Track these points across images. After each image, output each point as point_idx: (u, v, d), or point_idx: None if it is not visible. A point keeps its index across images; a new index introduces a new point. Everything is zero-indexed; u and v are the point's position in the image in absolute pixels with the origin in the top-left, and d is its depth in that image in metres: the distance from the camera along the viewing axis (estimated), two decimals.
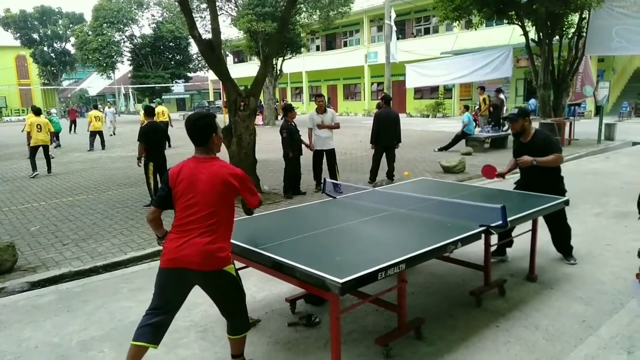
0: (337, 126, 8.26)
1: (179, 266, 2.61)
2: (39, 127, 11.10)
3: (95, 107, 19.36)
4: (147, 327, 2.67)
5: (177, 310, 2.79)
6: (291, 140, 7.87)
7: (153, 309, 2.71)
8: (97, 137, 16.87)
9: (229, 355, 2.97)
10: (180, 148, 15.63)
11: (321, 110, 8.15)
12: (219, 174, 2.66)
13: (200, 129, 2.72)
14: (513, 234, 4.43)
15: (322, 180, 4.86)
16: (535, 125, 4.92)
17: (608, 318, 3.49)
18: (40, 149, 11.30)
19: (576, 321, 3.52)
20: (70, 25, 44.72)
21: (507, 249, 4.83)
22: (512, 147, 4.95)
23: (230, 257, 2.74)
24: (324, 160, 8.25)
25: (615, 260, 4.70)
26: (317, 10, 23.98)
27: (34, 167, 11.16)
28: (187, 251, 2.59)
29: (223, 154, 12.37)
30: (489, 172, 4.87)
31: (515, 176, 5.03)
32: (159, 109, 16.75)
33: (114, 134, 22.01)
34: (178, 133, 16.03)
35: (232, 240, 3.26)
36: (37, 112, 11.50)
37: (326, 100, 8.68)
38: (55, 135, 18.79)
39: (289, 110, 8.10)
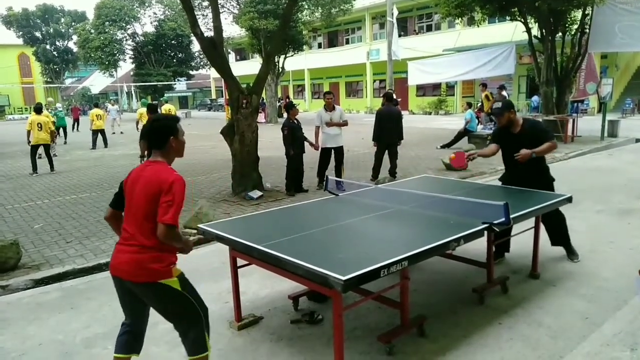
0: (345, 123, 8.28)
1: (116, 274, 2.52)
2: (39, 125, 11.10)
3: (96, 105, 19.32)
4: (122, 337, 2.68)
5: (140, 318, 2.66)
6: (292, 137, 7.88)
7: (124, 320, 2.70)
8: (99, 135, 16.90)
9: (233, 352, 2.98)
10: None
11: (330, 107, 8.15)
12: (153, 178, 2.44)
13: (157, 130, 2.57)
14: (512, 232, 4.41)
15: (325, 178, 4.86)
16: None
17: (611, 315, 3.49)
18: (41, 148, 11.33)
19: (579, 318, 3.52)
20: (73, 24, 44.82)
21: (508, 247, 4.83)
22: (493, 134, 4.94)
23: (172, 269, 2.50)
24: (332, 157, 8.25)
25: (618, 257, 4.69)
26: (319, 8, 23.93)
27: (34, 167, 11.22)
28: (120, 259, 2.48)
29: (222, 153, 12.24)
30: (459, 160, 4.72)
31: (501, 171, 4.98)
32: (166, 107, 16.79)
33: (122, 132, 21.95)
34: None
35: (234, 237, 3.28)
36: (38, 110, 11.50)
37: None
38: (63, 130, 18.97)
39: (290, 108, 8.11)
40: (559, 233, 4.68)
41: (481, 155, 4.76)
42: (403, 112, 9.73)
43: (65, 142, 18.65)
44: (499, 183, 4.89)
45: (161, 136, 2.55)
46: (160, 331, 3.60)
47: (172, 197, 2.36)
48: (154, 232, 2.39)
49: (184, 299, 2.53)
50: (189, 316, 2.58)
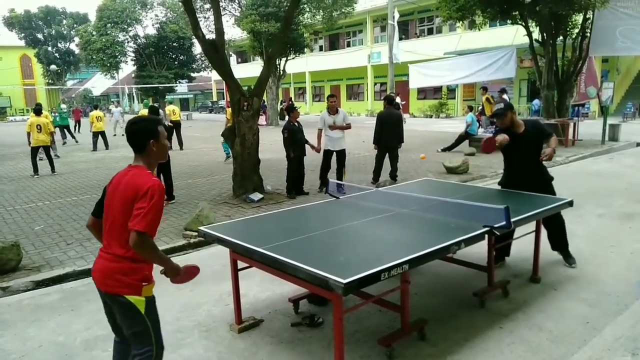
0: (348, 126, 8.28)
1: (94, 281, 2.42)
2: (39, 127, 11.13)
3: (96, 107, 19.38)
4: (114, 352, 2.61)
5: (121, 330, 2.46)
6: (293, 140, 7.87)
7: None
8: (100, 137, 16.91)
9: (233, 355, 2.97)
10: (185, 150, 15.70)
11: (333, 110, 8.15)
12: (130, 183, 2.31)
13: (134, 134, 2.43)
14: (514, 235, 4.41)
15: (326, 181, 4.86)
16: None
17: (612, 320, 3.48)
18: (42, 149, 11.38)
19: (580, 323, 3.51)
20: (75, 25, 44.93)
21: (509, 252, 4.82)
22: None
23: (142, 286, 2.34)
24: (333, 160, 8.25)
25: (619, 262, 4.68)
26: (321, 11, 23.95)
27: (35, 169, 11.27)
28: (95, 266, 2.41)
29: (223, 155, 12.23)
30: (489, 146, 4.53)
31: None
32: (169, 108, 16.77)
33: (123, 135, 21.97)
34: (183, 133, 16.12)
35: (234, 240, 3.28)
36: (37, 112, 11.55)
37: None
38: (67, 129, 19.06)
39: (291, 111, 8.11)
40: (559, 238, 4.68)
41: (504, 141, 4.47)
42: (404, 115, 9.78)
43: (64, 143, 18.67)
44: (499, 187, 4.89)
45: (140, 139, 2.42)
46: None
47: (147, 203, 2.21)
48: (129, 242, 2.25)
49: (143, 324, 2.36)
50: (142, 344, 2.38)
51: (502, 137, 4.39)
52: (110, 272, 2.31)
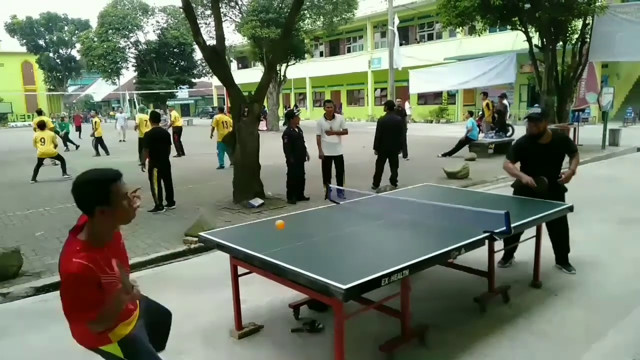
0: (345, 132, 8.23)
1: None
2: (42, 140, 11.69)
3: (97, 113, 19.51)
4: None
5: None
6: (292, 146, 7.87)
7: None
8: (98, 143, 16.92)
9: None
10: (186, 156, 15.70)
11: (330, 116, 8.14)
12: (60, 260, 1.99)
13: (76, 198, 1.96)
14: (521, 237, 4.42)
15: (328, 187, 4.87)
16: None
17: (613, 325, 3.47)
18: (51, 159, 12.13)
19: (581, 328, 3.50)
20: (76, 32, 45.14)
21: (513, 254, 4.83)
22: (519, 149, 4.58)
23: (107, 335, 2.12)
24: (333, 166, 8.24)
25: (620, 267, 4.68)
26: (321, 17, 24.08)
27: (34, 176, 11.50)
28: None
29: (216, 164, 12.16)
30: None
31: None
32: (174, 114, 16.81)
33: (124, 140, 22.03)
34: (184, 139, 16.14)
35: (234, 246, 3.28)
36: (41, 126, 12.13)
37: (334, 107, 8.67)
38: (65, 136, 19.15)
39: (291, 116, 8.12)
40: (563, 247, 4.64)
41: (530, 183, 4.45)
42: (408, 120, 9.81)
43: (66, 149, 18.72)
44: (510, 190, 4.86)
45: (84, 205, 1.97)
46: None
47: (63, 294, 1.90)
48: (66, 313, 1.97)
49: None
50: None
51: (529, 180, 4.35)
52: (75, 333, 2.16)
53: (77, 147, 19.30)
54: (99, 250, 1.97)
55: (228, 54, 25.46)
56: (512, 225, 3.36)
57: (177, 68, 36.95)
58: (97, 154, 16.71)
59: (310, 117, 35.64)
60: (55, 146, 11.92)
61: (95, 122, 17.04)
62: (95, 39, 33.62)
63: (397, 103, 12.66)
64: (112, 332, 2.11)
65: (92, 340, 2.13)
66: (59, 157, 12.08)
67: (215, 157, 12.75)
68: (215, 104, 49.16)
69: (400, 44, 23.65)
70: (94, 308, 1.91)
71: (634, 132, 17.45)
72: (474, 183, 9.27)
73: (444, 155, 13.10)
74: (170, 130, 13.88)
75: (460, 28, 15.96)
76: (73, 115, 30.75)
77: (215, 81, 42.76)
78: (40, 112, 15.18)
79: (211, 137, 13.12)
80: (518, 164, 4.63)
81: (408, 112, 15.34)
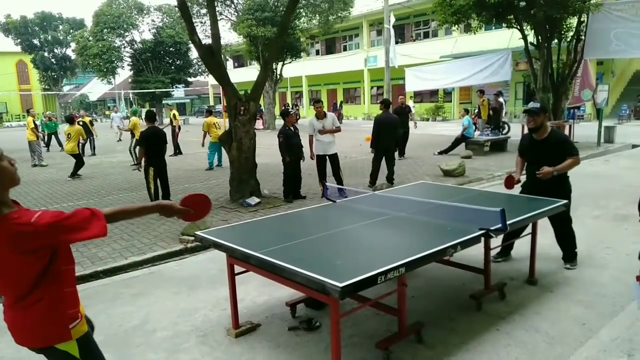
0: (338, 130, 8.22)
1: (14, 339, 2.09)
2: (69, 136, 11.89)
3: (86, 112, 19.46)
4: None
5: None
6: (288, 144, 7.87)
7: None
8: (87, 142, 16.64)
9: (229, 359, 2.97)
10: (182, 155, 15.68)
11: (320, 115, 8.12)
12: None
13: None
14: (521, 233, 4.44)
15: (324, 185, 4.87)
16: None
17: (608, 321, 3.49)
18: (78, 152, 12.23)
19: (576, 324, 3.52)
20: (71, 31, 44.85)
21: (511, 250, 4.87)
22: (520, 145, 4.77)
23: (68, 327, 1.98)
24: (327, 165, 8.24)
25: (615, 263, 4.70)
26: (317, 15, 24.04)
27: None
28: (5, 319, 2.05)
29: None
30: (509, 183, 4.70)
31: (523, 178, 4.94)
32: (172, 113, 16.73)
33: (121, 139, 21.96)
34: (181, 138, 16.11)
35: (231, 244, 3.28)
36: (70, 121, 12.47)
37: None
38: (54, 136, 18.91)
39: (286, 115, 8.12)
40: (566, 245, 4.66)
41: (521, 172, 4.73)
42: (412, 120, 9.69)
43: (47, 150, 18.43)
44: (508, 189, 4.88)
45: None
46: (157, 338, 3.59)
47: (58, 230, 1.91)
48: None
49: None
50: None
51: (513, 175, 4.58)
52: (26, 330, 1.94)
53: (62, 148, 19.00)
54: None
55: (224, 53, 25.37)
56: (508, 222, 3.38)
57: (172, 67, 36.80)
58: (93, 153, 16.64)
59: (307, 116, 35.64)
60: (85, 140, 11.98)
61: (90, 121, 17.00)
62: (90, 38, 33.42)
63: (401, 100, 12.66)
64: (74, 328, 1.98)
65: (49, 336, 1.94)
66: (77, 157, 11.88)
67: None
68: (212, 102, 49.10)
69: (396, 42, 23.66)
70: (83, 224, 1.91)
71: (628, 129, 17.53)
72: (470, 181, 9.29)
73: (440, 153, 13.12)
74: (169, 130, 13.85)
75: (456, 26, 15.95)
76: (68, 114, 30.60)
77: (211, 80, 42.65)
78: (29, 112, 15.77)
79: (202, 145, 12.39)
80: (521, 159, 4.74)
81: (413, 109, 15.31)
